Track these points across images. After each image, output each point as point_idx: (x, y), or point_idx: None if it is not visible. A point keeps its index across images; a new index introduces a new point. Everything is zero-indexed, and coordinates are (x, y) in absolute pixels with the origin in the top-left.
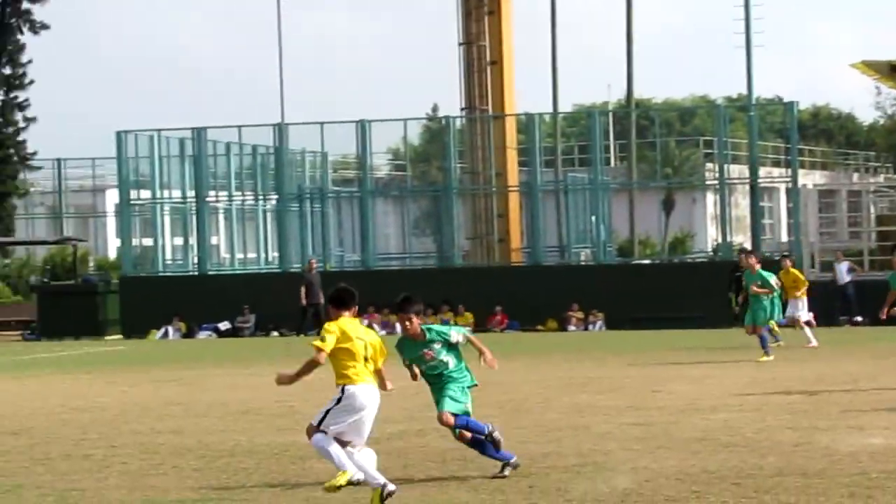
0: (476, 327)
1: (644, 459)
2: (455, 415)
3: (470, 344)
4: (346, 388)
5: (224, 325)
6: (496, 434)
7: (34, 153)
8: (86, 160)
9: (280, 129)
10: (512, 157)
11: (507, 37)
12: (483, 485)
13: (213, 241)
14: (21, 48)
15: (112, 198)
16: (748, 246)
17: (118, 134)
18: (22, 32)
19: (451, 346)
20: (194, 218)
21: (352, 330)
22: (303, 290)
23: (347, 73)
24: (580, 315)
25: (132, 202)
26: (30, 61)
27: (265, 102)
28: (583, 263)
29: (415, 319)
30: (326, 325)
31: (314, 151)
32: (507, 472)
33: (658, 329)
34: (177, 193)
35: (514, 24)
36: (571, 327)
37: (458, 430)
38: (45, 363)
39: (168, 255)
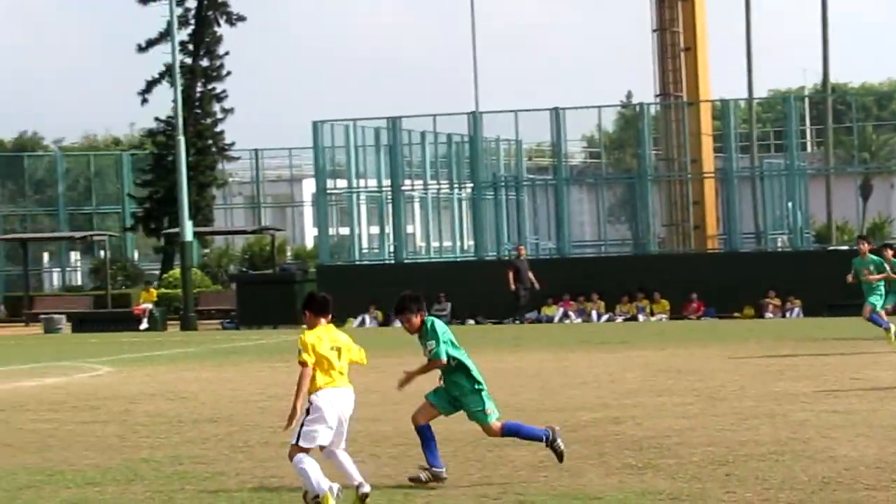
0: (672, 314)
1: (843, 447)
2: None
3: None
4: (312, 397)
5: None
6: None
7: (232, 144)
8: (283, 150)
9: (475, 118)
10: (707, 143)
11: (700, 22)
12: (680, 472)
13: (409, 229)
14: (218, 40)
15: (309, 187)
16: None
17: (314, 124)
18: (219, 24)
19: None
20: (390, 206)
21: (325, 339)
22: (511, 274)
23: (541, 61)
24: (777, 302)
25: (329, 191)
26: (227, 53)
27: (459, 91)
28: (780, 250)
29: (413, 319)
30: (301, 339)
31: (509, 139)
32: (423, 476)
33: (856, 316)
34: (372, 182)
35: (708, 9)
36: (768, 314)
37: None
38: (244, 352)
39: (364, 244)
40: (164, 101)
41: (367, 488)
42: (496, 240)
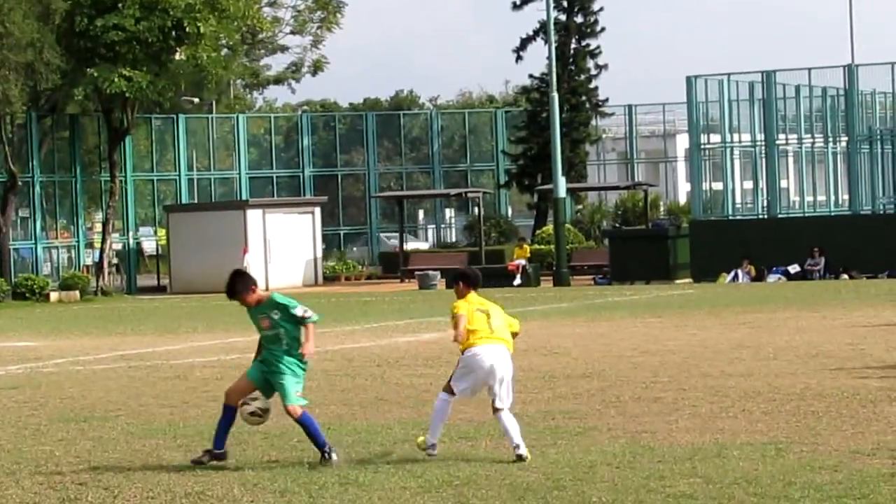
0: None
1: None
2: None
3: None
4: (466, 351)
5: (794, 269)
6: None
7: (605, 100)
8: (656, 105)
9: (850, 70)
10: None
11: None
12: None
13: (783, 184)
14: None
15: (682, 143)
16: None
17: (688, 79)
18: None
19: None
20: (764, 161)
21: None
22: None
23: None
24: None
25: (702, 146)
26: (601, 9)
27: (835, 44)
28: None
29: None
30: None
31: (885, 92)
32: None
33: None
34: (746, 137)
35: None
36: None
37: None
38: (616, 307)
39: (738, 199)
40: (539, 58)
41: (523, 450)
42: (871, 194)
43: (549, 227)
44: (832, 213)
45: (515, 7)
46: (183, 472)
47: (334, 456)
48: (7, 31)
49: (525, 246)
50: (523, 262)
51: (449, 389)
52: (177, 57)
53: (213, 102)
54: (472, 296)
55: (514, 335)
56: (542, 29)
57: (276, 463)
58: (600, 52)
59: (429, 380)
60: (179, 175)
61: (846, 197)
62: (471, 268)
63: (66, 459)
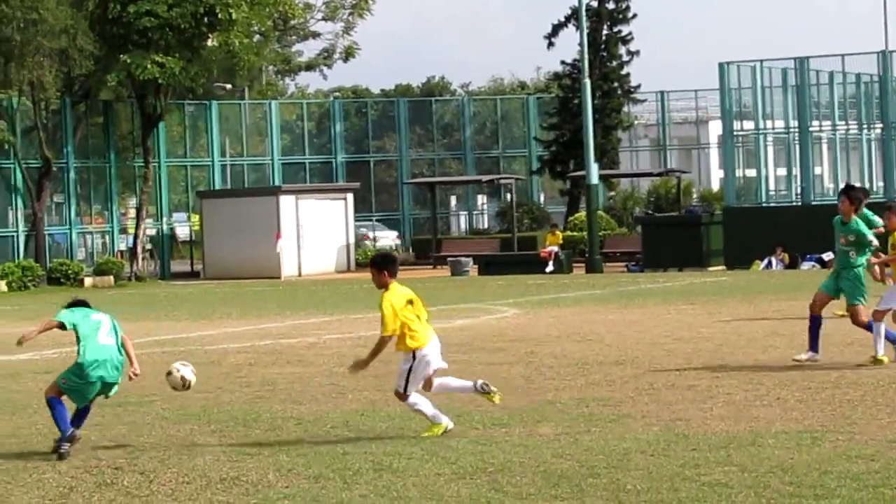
0: None
1: None
2: None
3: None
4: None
5: (828, 256)
6: None
7: (638, 86)
8: (688, 92)
9: (884, 57)
10: None
11: None
12: None
13: (817, 171)
14: None
15: (715, 129)
16: None
17: (721, 65)
18: None
19: None
20: (797, 148)
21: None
22: None
23: None
24: None
25: (735, 133)
26: None
27: (868, 31)
28: None
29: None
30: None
31: None
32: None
33: None
34: (779, 124)
35: None
36: None
37: None
38: (649, 294)
39: (771, 186)
40: (570, 44)
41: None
42: None
43: (582, 214)
44: (868, 201)
45: None
46: (217, 456)
47: None
48: (41, 17)
49: (557, 232)
50: (556, 248)
51: (403, 397)
52: (209, 43)
53: (246, 89)
54: (396, 285)
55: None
56: (574, 15)
57: (309, 448)
58: (632, 39)
59: (461, 366)
60: (212, 161)
61: (881, 184)
62: (390, 252)
63: (101, 443)
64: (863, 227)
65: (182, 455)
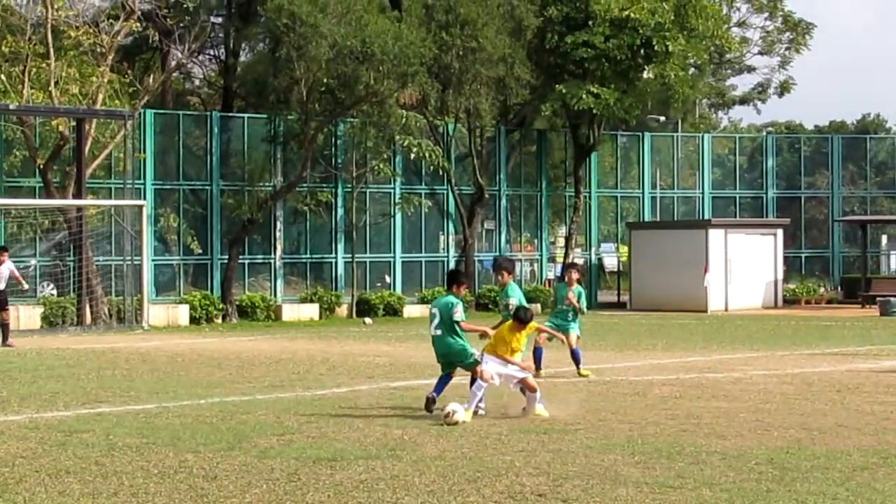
0: None
1: None
2: None
3: None
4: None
5: None
6: None
7: None
8: None
9: None
10: None
11: None
12: None
13: None
14: None
15: None
16: None
17: None
18: None
19: None
20: None
21: None
22: None
23: None
24: None
25: None
26: None
27: None
28: None
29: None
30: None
31: None
32: None
33: None
34: None
35: None
36: None
37: None
38: None
39: None
40: None
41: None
42: None
43: None
44: None
45: None
46: (640, 488)
47: None
48: (480, 46)
49: None
50: None
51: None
52: (644, 75)
53: (679, 121)
54: None
55: None
56: None
57: (733, 484)
58: None
59: (889, 407)
60: (643, 192)
61: None
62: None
63: (525, 470)
64: None
65: (605, 484)
